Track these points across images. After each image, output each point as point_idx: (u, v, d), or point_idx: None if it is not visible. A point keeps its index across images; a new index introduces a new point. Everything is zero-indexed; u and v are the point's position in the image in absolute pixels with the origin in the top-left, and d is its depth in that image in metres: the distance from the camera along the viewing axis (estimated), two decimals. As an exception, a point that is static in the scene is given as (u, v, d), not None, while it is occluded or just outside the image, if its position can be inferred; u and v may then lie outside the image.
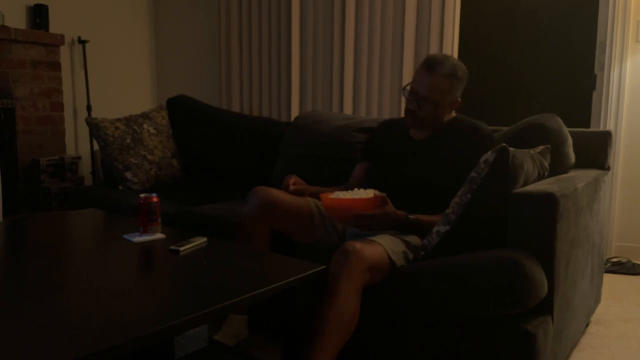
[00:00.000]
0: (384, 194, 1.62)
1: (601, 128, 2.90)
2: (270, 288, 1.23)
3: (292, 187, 1.88)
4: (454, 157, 1.75)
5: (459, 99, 1.81)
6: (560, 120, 1.92)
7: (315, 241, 1.82)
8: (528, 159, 1.61)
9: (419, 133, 1.87)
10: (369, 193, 1.65)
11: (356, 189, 1.71)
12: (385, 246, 1.54)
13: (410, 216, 1.65)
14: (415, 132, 1.88)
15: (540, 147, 1.78)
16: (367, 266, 1.47)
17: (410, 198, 1.71)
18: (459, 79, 1.76)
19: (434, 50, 3.08)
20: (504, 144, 1.52)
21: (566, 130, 1.91)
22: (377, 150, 1.97)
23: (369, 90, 3.31)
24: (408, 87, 1.81)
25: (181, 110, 3.03)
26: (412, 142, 1.87)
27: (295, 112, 3.53)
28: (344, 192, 1.69)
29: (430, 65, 1.74)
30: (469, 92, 3.44)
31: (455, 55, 3.09)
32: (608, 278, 2.66)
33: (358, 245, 1.47)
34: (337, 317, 1.42)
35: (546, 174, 1.72)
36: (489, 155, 1.52)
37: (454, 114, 1.88)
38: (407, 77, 3.16)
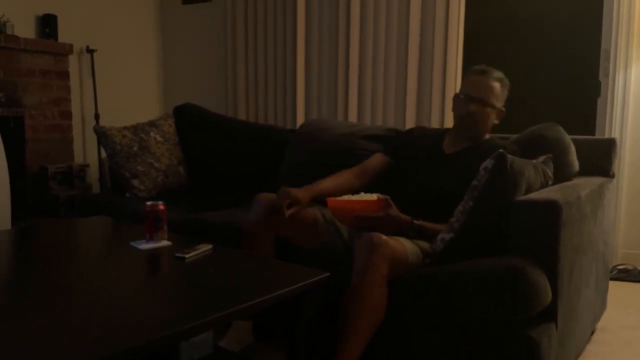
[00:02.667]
0: (387, 197, 1.64)
1: (606, 135, 2.89)
2: (275, 295, 1.24)
3: (287, 214, 1.72)
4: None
5: (504, 109, 1.89)
6: (561, 129, 1.93)
7: (320, 246, 1.82)
8: (530, 166, 1.61)
9: (452, 145, 1.90)
10: (372, 196, 1.68)
11: (362, 193, 1.74)
12: (404, 244, 1.57)
13: (415, 222, 1.66)
14: (448, 145, 1.91)
15: (542, 157, 1.79)
16: (392, 257, 1.48)
17: (431, 208, 1.71)
18: (506, 86, 1.89)
19: (438, 57, 3.09)
20: (501, 150, 1.53)
21: (568, 138, 1.91)
22: (406, 152, 1.97)
23: (373, 98, 3.33)
24: (462, 95, 1.87)
25: (187, 118, 3.05)
26: (443, 155, 1.90)
27: (300, 120, 3.54)
28: (350, 195, 1.72)
29: (483, 71, 1.87)
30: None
31: (459, 62, 3.10)
32: (614, 285, 2.64)
33: (384, 236, 1.49)
34: (366, 306, 1.43)
35: (550, 182, 1.72)
36: (488, 163, 1.53)
37: (488, 135, 1.93)
38: (412, 84, 3.18)
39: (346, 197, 1.71)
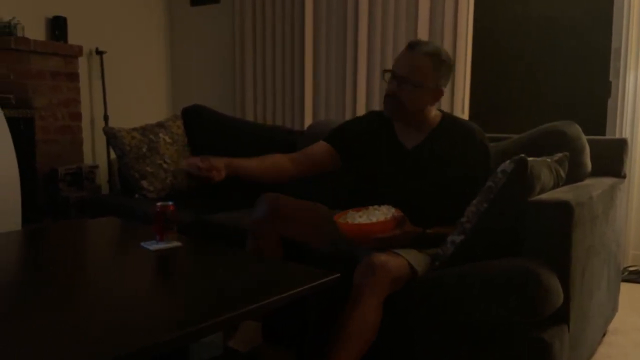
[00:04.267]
0: (402, 214, 1.59)
1: (617, 136, 2.87)
2: (284, 296, 1.23)
3: (202, 168, 1.54)
4: (452, 165, 1.70)
5: (443, 89, 1.70)
6: (579, 128, 1.91)
7: (330, 245, 1.80)
8: (545, 169, 1.59)
9: (409, 136, 1.76)
10: (386, 213, 1.62)
11: (371, 208, 1.66)
12: (408, 259, 1.54)
13: (427, 230, 1.62)
14: (403, 135, 1.77)
15: (559, 155, 1.76)
16: (392, 279, 1.47)
17: (412, 212, 1.66)
18: (443, 62, 1.66)
19: (447, 58, 3.08)
20: (522, 155, 1.50)
21: (584, 138, 1.89)
22: (359, 149, 1.80)
23: (381, 99, 3.31)
24: (386, 73, 1.70)
25: (196, 120, 3.06)
26: (404, 151, 1.75)
27: (308, 121, 3.55)
28: (360, 213, 1.65)
29: (411, 45, 1.67)
30: (483, 98, 3.43)
31: (469, 62, 3.09)
32: (625, 287, 2.61)
33: (384, 258, 1.48)
34: (358, 329, 1.43)
35: (561, 183, 1.71)
36: (506, 166, 1.51)
37: (438, 112, 1.78)
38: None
39: (357, 216, 1.63)
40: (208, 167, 1.56)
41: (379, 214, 1.62)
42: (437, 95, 1.70)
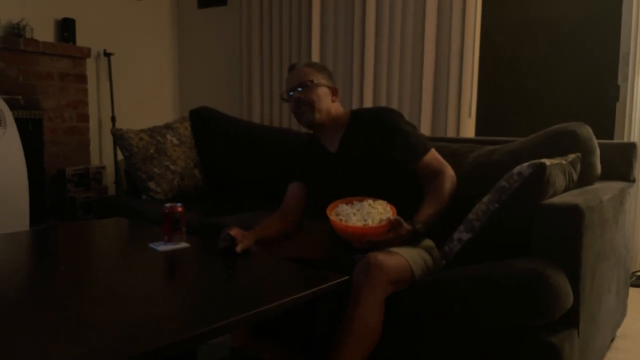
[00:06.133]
0: (398, 217, 1.59)
1: (625, 139, 2.85)
2: (293, 298, 1.23)
3: (238, 249, 1.59)
4: (376, 145, 1.78)
5: (336, 87, 1.91)
6: (590, 129, 1.89)
7: (325, 254, 1.79)
8: (560, 174, 1.57)
9: (331, 143, 1.88)
10: (381, 213, 1.61)
11: (366, 204, 1.65)
12: (406, 257, 1.54)
13: (416, 226, 1.60)
14: (328, 144, 1.90)
15: (572, 156, 1.74)
16: (390, 278, 1.47)
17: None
18: (320, 67, 1.91)
19: (454, 60, 3.08)
20: (542, 161, 1.50)
21: (595, 139, 1.88)
22: (312, 173, 1.93)
23: (388, 101, 3.32)
24: (285, 96, 1.90)
25: (203, 122, 3.07)
26: (330, 156, 1.89)
27: (315, 123, 3.54)
28: (353, 210, 1.64)
29: (291, 67, 1.95)
30: (490, 103, 3.43)
31: (476, 65, 3.08)
32: (634, 292, 2.60)
33: (380, 257, 1.47)
34: (360, 329, 1.43)
35: (572, 185, 1.70)
36: (523, 169, 1.49)
37: (349, 112, 1.91)
38: (427, 88, 3.16)
39: (351, 213, 1.62)
40: (240, 238, 1.63)
41: (375, 214, 1.61)
42: (334, 91, 1.90)
